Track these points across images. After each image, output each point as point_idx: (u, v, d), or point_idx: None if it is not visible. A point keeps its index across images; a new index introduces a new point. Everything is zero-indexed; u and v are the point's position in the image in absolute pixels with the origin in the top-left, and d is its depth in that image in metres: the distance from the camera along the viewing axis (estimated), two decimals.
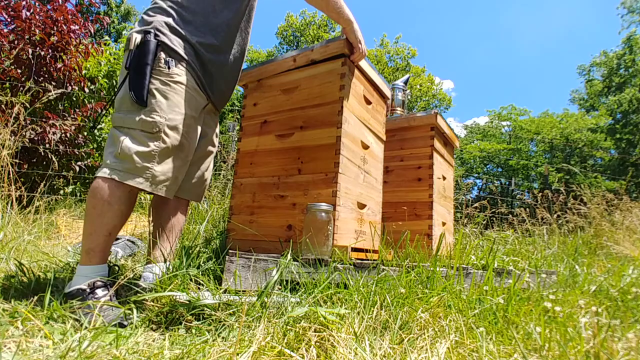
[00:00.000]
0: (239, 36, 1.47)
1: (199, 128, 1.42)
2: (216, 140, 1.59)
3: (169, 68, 1.27)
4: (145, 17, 1.33)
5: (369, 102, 1.67)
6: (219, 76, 1.44)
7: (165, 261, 1.31)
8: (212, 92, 1.44)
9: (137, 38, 1.25)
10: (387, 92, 1.84)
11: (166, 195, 1.29)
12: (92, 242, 1.17)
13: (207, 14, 1.37)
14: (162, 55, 1.27)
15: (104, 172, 1.19)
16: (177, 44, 1.30)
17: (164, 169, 1.25)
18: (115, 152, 1.20)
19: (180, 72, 1.30)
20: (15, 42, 3.57)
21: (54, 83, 3.79)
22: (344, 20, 1.45)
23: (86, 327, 0.91)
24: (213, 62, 1.39)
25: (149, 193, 1.33)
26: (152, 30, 1.26)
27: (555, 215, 4.01)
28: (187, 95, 1.32)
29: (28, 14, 3.62)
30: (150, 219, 1.50)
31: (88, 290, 1.12)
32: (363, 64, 1.60)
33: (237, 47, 1.48)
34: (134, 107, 1.23)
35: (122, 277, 1.19)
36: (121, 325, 0.99)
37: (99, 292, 1.14)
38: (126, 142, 1.20)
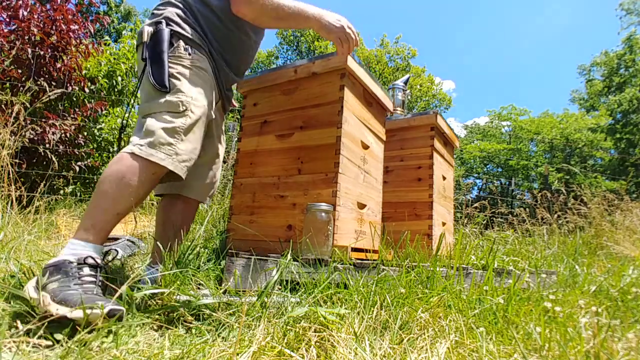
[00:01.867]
0: (246, 45, 1.47)
1: (212, 118, 1.41)
2: (224, 140, 1.60)
3: (189, 54, 1.27)
4: (155, 11, 1.34)
5: (369, 103, 1.67)
6: (225, 79, 1.45)
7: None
8: (222, 89, 1.44)
9: (149, 30, 1.26)
10: (389, 105, 1.84)
11: (183, 176, 1.22)
12: (95, 218, 1.06)
13: (212, 23, 1.37)
14: (182, 43, 1.27)
15: (127, 149, 1.14)
16: (192, 33, 1.31)
17: (188, 147, 1.22)
18: (140, 135, 1.17)
19: (201, 58, 1.30)
20: (16, 42, 3.57)
21: (54, 83, 3.79)
22: (310, 22, 1.34)
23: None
24: (221, 67, 1.40)
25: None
26: (162, 20, 1.27)
27: (555, 216, 4.01)
28: (209, 81, 1.32)
29: (26, 13, 3.62)
30: (158, 219, 1.50)
31: (75, 263, 0.96)
32: (366, 78, 1.59)
33: (243, 55, 1.47)
34: (158, 93, 1.21)
35: (129, 279, 1.17)
36: (111, 314, 0.84)
37: (87, 270, 0.97)
38: (150, 121, 1.17)
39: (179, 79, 1.23)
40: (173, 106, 1.20)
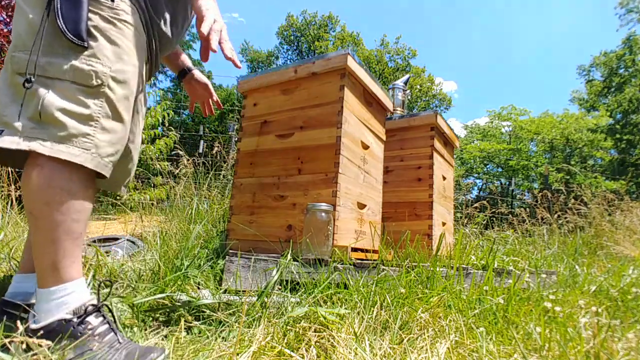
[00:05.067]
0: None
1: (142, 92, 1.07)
2: (144, 114, 1.17)
3: (112, 0, 0.91)
4: None
5: (369, 103, 1.67)
6: (161, 37, 1.10)
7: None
8: (152, 52, 1.08)
9: None
10: (389, 105, 1.84)
11: (107, 176, 0.90)
12: (56, 253, 0.80)
13: None
14: None
15: (16, 142, 0.77)
16: None
17: (110, 137, 0.88)
18: (31, 111, 0.80)
19: (126, 9, 0.94)
20: None
21: None
22: None
23: None
24: (155, 21, 1.05)
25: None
26: None
27: (555, 216, 4.01)
28: (137, 41, 0.96)
29: None
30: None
31: (75, 319, 0.79)
32: (366, 78, 1.59)
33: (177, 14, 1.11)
34: (64, 47, 0.84)
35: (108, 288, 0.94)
36: None
37: (93, 320, 0.80)
38: (50, 97, 0.81)
39: (95, 37, 0.87)
40: (83, 77, 0.84)
